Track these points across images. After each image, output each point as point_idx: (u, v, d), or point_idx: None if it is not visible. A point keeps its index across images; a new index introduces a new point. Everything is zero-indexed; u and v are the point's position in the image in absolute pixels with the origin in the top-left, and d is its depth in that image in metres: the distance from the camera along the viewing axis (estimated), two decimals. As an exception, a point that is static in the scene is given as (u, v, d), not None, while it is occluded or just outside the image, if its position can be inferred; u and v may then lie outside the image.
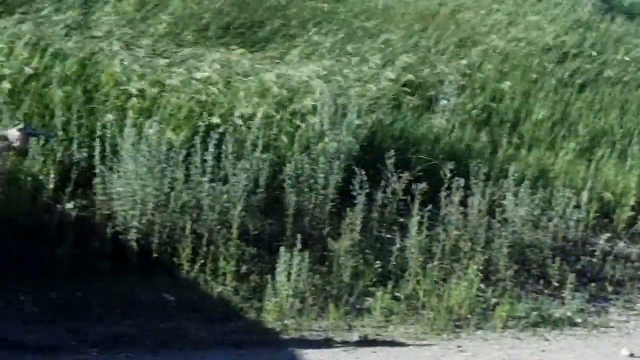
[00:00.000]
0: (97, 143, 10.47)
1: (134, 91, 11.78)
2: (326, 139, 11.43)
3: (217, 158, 10.70)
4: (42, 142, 10.51)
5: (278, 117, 11.83)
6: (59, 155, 10.68)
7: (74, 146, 10.76)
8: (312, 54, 13.59)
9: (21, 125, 8.84)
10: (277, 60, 13.32)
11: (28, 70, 11.51)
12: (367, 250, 10.77)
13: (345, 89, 12.50)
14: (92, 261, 10.15)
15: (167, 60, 12.68)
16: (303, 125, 11.81)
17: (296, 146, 11.36)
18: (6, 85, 11.19)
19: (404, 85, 13.55)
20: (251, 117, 11.58)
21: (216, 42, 13.48)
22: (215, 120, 11.29)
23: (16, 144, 8.54)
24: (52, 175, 10.39)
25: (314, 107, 12.00)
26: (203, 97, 11.94)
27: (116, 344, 9.04)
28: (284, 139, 11.57)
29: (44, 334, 9.00)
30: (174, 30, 13.53)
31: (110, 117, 11.02)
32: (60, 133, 10.76)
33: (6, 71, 11.43)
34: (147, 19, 13.62)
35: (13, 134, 8.48)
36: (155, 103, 11.70)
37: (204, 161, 10.54)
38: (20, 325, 9.08)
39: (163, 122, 11.08)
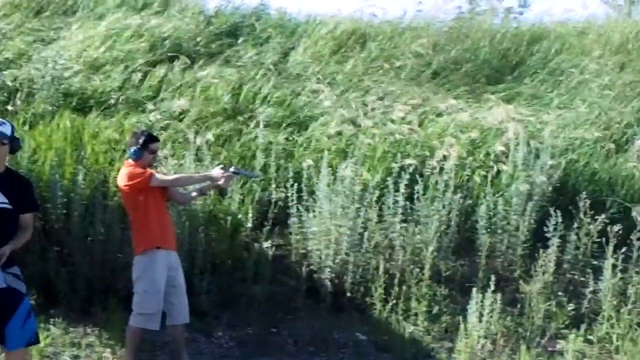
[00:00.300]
0: (293, 183, 10.82)
1: (331, 132, 12.17)
2: (519, 180, 11.33)
3: (410, 199, 10.84)
4: (241, 182, 10.99)
5: (471, 158, 11.82)
6: (257, 195, 11.08)
7: (272, 186, 11.15)
8: (512, 99, 13.49)
9: (227, 166, 9.21)
10: (473, 103, 13.27)
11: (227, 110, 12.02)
12: (559, 293, 10.60)
13: (539, 131, 12.33)
14: (287, 299, 10.51)
15: (361, 100, 12.89)
16: (496, 166, 11.75)
17: (489, 187, 11.30)
18: (210, 131, 11.74)
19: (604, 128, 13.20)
20: (445, 158, 11.65)
21: (410, 83, 13.57)
22: (410, 161, 11.35)
23: (220, 182, 8.87)
24: (250, 214, 10.77)
25: (507, 148, 11.91)
26: (397, 138, 12.11)
27: (308, 380, 9.32)
28: (477, 179, 11.52)
29: (239, 369, 9.38)
30: (369, 71, 13.69)
31: (309, 162, 11.35)
32: (260, 174, 11.20)
33: (207, 113, 12.00)
34: (342, 60, 13.86)
35: (217, 173, 8.84)
36: (351, 143, 12.00)
37: (397, 202, 10.69)
38: (218, 360, 9.48)
39: (358, 163, 11.32)
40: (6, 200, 6.91)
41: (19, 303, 6.73)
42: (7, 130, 6.92)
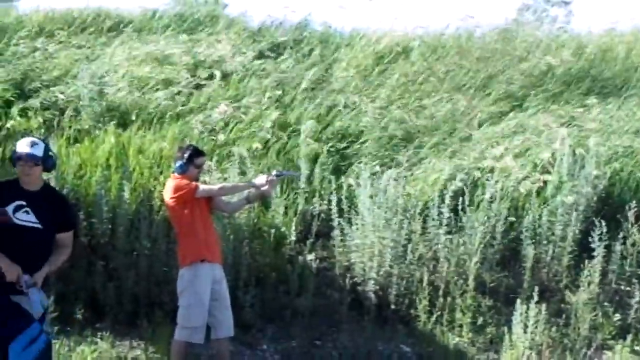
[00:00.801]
0: (335, 196, 10.92)
1: (373, 144, 12.26)
2: (565, 192, 11.29)
3: (454, 210, 10.84)
4: (284, 195, 11.03)
5: (517, 169, 11.80)
6: (300, 207, 11.15)
7: (315, 199, 11.23)
8: (556, 108, 13.46)
9: (270, 172, 9.31)
10: (517, 112, 13.24)
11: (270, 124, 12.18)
12: (605, 303, 10.57)
13: (584, 140, 12.30)
14: (331, 311, 10.54)
15: (404, 111, 12.94)
16: (541, 177, 11.72)
17: (534, 198, 11.27)
18: (256, 138, 11.93)
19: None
20: (492, 169, 11.70)
21: (455, 94, 13.56)
22: (455, 174, 11.42)
23: (264, 188, 8.92)
24: (294, 227, 10.86)
25: (553, 158, 11.90)
26: (445, 148, 12.25)
27: (353, 392, 9.32)
28: (522, 190, 11.50)
29: (285, 381, 9.43)
30: (412, 84, 13.72)
31: (350, 180, 11.42)
32: (303, 185, 11.25)
33: (252, 126, 12.20)
34: (385, 73, 13.89)
35: (261, 180, 8.92)
36: (397, 154, 12.11)
37: (441, 213, 10.71)
38: (260, 374, 9.56)
39: (401, 175, 11.35)
40: (36, 220, 6.85)
41: (26, 327, 6.69)
42: (39, 151, 6.90)
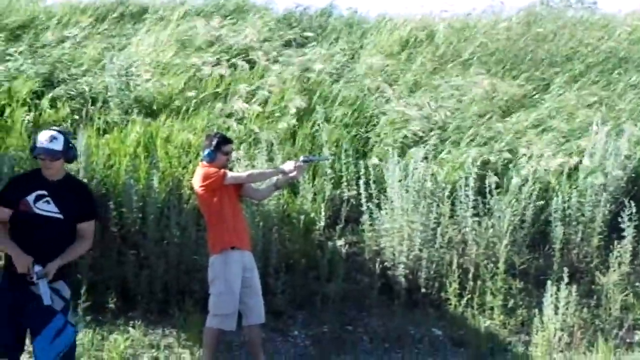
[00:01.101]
0: (364, 181, 10.90)
1: (401, 129, 12.22)
2: (595, 173, 11.26)
3: (482, 193, 10.81)
4: (312, 181, 11.05)
5: (546, 150, 11.76)
6: (328, 193, 11.13)
7: (343, 184, 11.22)
8: (575, 84, 13.41)
9: (297, 159, 9.27)
10: (544, 94, 13.17)
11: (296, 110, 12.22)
12: (636, 284, 10.56)
13: (614, 120, 12.23)
14: (361, 296, 10.55)
15: (431, 97, 12.89)
16: (571, 160, 11.70)
17: (564, 179, 11.21)
18: (282, 124, 11.92)
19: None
20: (520, 152, 11.72)
21: (480, 77, 13.49)
22: (483, 157, 11.39)
23: (292, 174, 8.88)
24: (322, 213, 10.85)
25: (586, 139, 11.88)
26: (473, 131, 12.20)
27: (385, 376, 9.33)
28: (551, 172, 11.46)
29: (316, 367, 9.43)
30: (437, 68, 13.68)
31: (375, 160, 11.46)
32: (329, 171, 11.26)
33: (278, 113, 12.19)
34: (411, 58, 13.86)
35: (289, 165, 8.90)
36: (421, 139, 12.04)
37: (468, 196, 10.69)
38: (294, 359, 9.57)
39: (428, 159, 11.35)
40: (57, 210, 6.78)
41: (50, 320, 6.66)
42: (58, 145, 6.81)
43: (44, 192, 6.77)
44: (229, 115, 12.07)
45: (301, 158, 9.01)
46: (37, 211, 6.73)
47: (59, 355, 6.69)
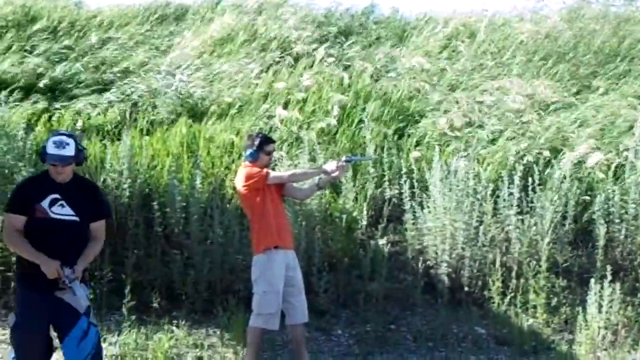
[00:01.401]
0: (406, 179, 10.86)
1: (443, 127, 12.21)
2: (638, 170, 11.16)
3: (525, 191, 10.74)
4: (354, 180, 11.03)
5: (588, 148, 11.65)
6: (370, 193, 11.10)
7: (385, 183, 11.20)
8: (618, 81, 13.30)
9: (340, 158, 9.25)
10: (586, 92, 13.07)
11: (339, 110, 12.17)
12: (681, 281, 10.39)
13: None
14: (404, 295, 10.52)
15: (471, 94, 12.86)
16: (618, 158, 11.63)
17: (609, 177, 11.14)
18: (323, 124, 11.91)
19: None
20: (561, 149, 11.64)
21: (521, 75, 13.44)
22: (525, 155, 11.32)
23: (335, 174, 8.82)
24: (365, 212, 10.84)
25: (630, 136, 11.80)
26: (513, 131, 12.09)
27: (429, 375, 9.28)
28: (594, 170, 11.38)
29: (359, 366, 9.41)
30: (479, 67, 13.61)
31: (416, 154, 11.47)
32: (372, 170, 11.24)
33: (320, 112, 12.23)
34: (452, 56, 13.79)
35: (332, 165, 8.85)
36: (465, 137, 12.05)
37: (512, 194, 10.62)
38: (337, 358, 9.53)
39: (471, 157, 11.32)
40: (72, 213, 6.78)
41: (75, 323, 6.71)
42: (70, 151, 6.75)
43: (58, 196, 6.74)
44: (270, 117, 12.08)
45: (343, 158, 8.97)
46: (54, 216, 6.71)
47: (87, 358, 6.72)
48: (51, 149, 6.72)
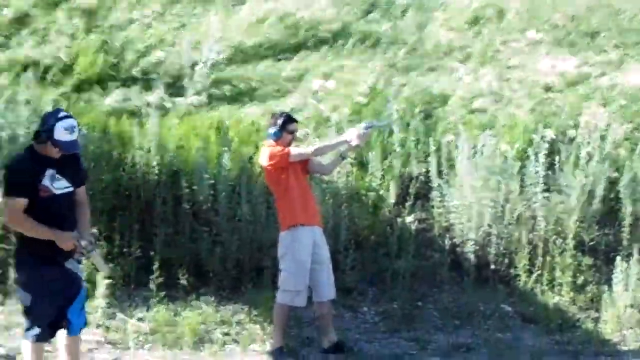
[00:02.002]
0: (433, 158, 10.85)
1: (470, 105, 12.25)
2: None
3: (551, 168, 10.73)
4: (380, 158, 11.03)
5: (615, 125, 11.56)
6: (397, 171, 11.09)
7: (412, 161, 11.17)
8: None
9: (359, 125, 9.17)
10: (614, 69, 12.99)
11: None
12: None
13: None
14: (431, 272, 10.53)
15: (496, 72, 12.85)
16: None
17: (636, 154, 11.06)
18: (348, 109, 11.92)
19: None
20: (588, 127, 11.50)
21: (548, 53, 13.38)
22: (551, 132, 11.22)
23: (356, 143, 8.81)
24: (392, 190, 10.83)
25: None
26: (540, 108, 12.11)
27: (455, 353, 9.30)
28: (623, 151, 11.30)
29: (386, 343, 9.44)
30: (506, 44, 13.60)
31: (449, 136, 11.38)
32: (398, 149, 11.21)
33: (346, 93, 12.25)
34: (478, 33, 13.74)
35: (351, 134, 8.83)
36: (491, 115, 12.01)
37: (538, 172, 10.59)
38: (363, 335, 9.56)
39: (498, 135, 11.24)
40: (68, 184, 6.82)
41: (79, 291, 6.88)
42: (78, 134, 6.77)
43: (53, 171, 6.74)
44: (301, 96, 12.15)
45: (362, 125, 8.97)
46: (57, 192, 6.74)
47: (86, 322, 7.11)
48: (64, 135, 6.68)
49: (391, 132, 11.36)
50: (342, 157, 9.12)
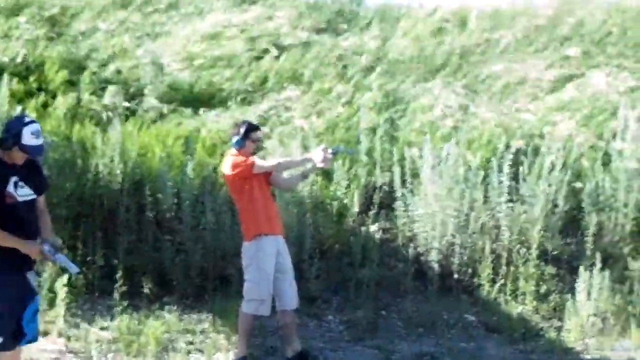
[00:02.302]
0: (397, 167, 10.86)
1: (434, 115, 12.29)
2: (629, 157, 11.16)
3: (515, 178, 10.76)
4: (346, 167, 11.05)
5: (581, 136, 11.72)
6: (362, 180, 11.11)
7: (377, 170, 11.20)
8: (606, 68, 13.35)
9: (325, 146, 9.02)
10: (577, 78, 13.12)
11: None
12: (670, 270, 10.39)
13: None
14: (394, 281, 10.54)
15: (462, 83, 12.96)
16: (606, 146, 11.65)
17: (598, 165, 11.15)
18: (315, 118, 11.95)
19: None
20: (551, 136, 11.66)
21: (512, 62, 13.46)
22: (517, 142, 11.34)
23: (321, 165, 8.75)
24: (356, 199, 10.84)
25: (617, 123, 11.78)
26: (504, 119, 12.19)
27: (419, 362, 9.33)
28: (585, 162, 11.40)
29: (350, 352, 9.36)
30: (469, 53, 13.62)
31: (414, 150, 11.33)
32: (365, 158, 11.25)
33: (312, 102, 12.27)
34: (441, 43, 13.78)
35: (317, 155, 8.76)
36: (454, 126, 12.08)
37: (502, 182, 10.62)
38: (328, 344, 9.50)
39: (460, 145, 11.26)
40: (30, 191, 6.71)
41: (34, 299, 6.78)
42: (42, 138, 6.72)
43: (17, 178, 6.64)
44: (266, 104, 12.13)
45: (330, 150, 8.81)
46: (21, 199, 6.63)
47: (32, 339, 6.84)
48: (31, 140, 6.58)
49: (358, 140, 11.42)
50: (304, 175, 9.06)
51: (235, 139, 8.63)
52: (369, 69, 13.11)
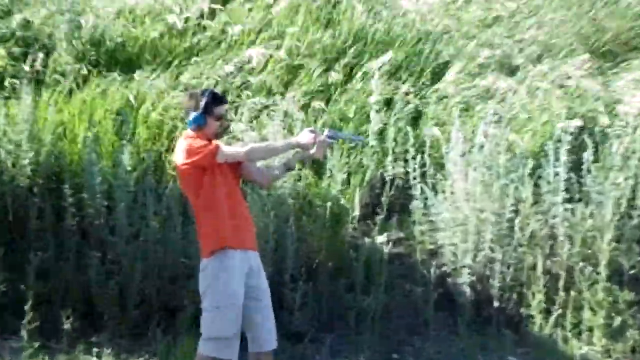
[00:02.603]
0: (416, 154, 10.67)
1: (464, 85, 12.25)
2: None
3: (576, 170, 10.45)
4: (344, 155, 10.92)
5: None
6: (367, 172, 11.00)
7: (388, 159, 11.03)
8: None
9: (320, 130, 8.85)
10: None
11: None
12: None
13: None
14: (411, 313, 10.35)
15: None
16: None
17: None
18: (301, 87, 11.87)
19: None
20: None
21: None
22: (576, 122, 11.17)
23: (312, 152, 8.41)
24: (357, 200, 10.70)
25: None
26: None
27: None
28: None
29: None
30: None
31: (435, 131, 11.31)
32: (371, 143, 11.19)
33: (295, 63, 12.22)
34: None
35: (307, 138, 8.35)
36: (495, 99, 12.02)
37: (558, 174, 10.31)
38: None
39: (503, 124, 11.11)
40: None
41: None
42: None
43: None
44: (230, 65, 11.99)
45: (326, 132, 8.50)
46: None
47: None
48: None
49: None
50: (288, 167, 8.71)
51: (191, 115, 8.16)
52: (378, 22, 13.12)
